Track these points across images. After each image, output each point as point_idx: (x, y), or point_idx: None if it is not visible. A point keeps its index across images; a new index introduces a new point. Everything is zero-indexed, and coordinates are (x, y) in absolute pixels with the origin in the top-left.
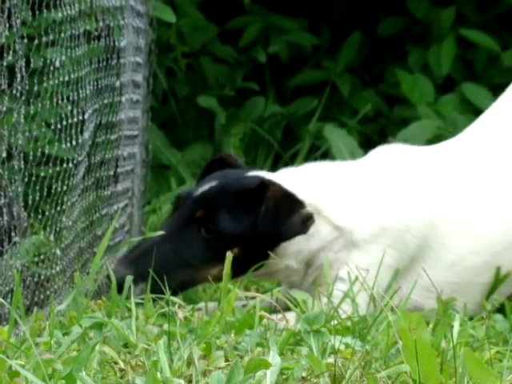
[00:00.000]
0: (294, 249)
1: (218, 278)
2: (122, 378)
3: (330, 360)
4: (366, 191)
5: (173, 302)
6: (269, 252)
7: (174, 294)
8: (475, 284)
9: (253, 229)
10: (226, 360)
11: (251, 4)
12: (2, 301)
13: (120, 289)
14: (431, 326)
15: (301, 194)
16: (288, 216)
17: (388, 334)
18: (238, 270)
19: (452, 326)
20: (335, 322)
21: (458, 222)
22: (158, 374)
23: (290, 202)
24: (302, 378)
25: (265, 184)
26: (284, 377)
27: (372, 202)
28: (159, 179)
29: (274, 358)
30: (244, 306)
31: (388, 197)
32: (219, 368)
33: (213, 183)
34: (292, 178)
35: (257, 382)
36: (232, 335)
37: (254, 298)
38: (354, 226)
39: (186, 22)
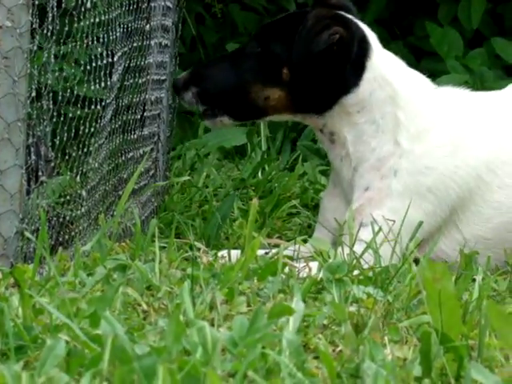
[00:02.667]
0: (357, 119)
1: (278, 106)
2: (144, 319)
3: (352, 309)
4: (434, 128)
5: (196, 247)
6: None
7: (226, 111)
8: (507, 241)
9: (309, 51)
10: (248, 305)
11: None
12: (30, 236)
13: (175, 88)
14: (453, 278)
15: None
16: (320, 31)
17: (410, 285)
18: (297, 100)
19: (474, 280)
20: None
21: (504, 176)
22: (181, 316)
23: (326, 19)
24: (324, 325)
25: (314, 7)
26: (305, 324)
27: (432, 140)
28: (184, 125)
29: (297, 304)
30: (267, 253)
31: (448, 143)
32: (241, 313)
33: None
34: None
35: (279, 327)
36: (255, 281)
37: (277, 246)
38: (407, 150)
39: None
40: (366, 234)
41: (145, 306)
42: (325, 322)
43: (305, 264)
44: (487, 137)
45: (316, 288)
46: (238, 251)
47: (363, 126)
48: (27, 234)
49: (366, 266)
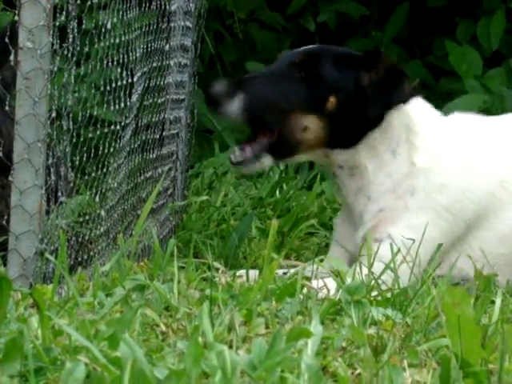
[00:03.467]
0: (379, 150)
1: (307, 137)
2: (163, 340)
3: (371, 331)
4: (450, 151)
5: (215, 268)
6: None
7: (267, 149)
8: None
9: (353, 85)
10: (267, 327)
11: None
12: (50, 257)
13: (215, 100)
14: (472, 300)
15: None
16: (399, 82)
17: (429, 308)
18: (332, 133)
19: (493, 302)
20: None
21: None
22: (200, 338)
23: (400, 71)
24: (342, 347)
25: (378, 52)
26: (324, 346)
27: (448, 160)
28: (202, 144)
29: (315, 327)
30: (285, 273)
31: (462, 161)
32: (260, 335)
33: (316, 46)
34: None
35: (298, 350)
36: (273, 303)
37: (294, 266)
38: (423, 170)
39: None
40: (382, 251)
41: (163, 327)
42: (343, 344)
43: (323, 285)
44: (498, 156)
45: (334, 309)
46: (256, 271)
47: (383, 155)
48: (47, 254)
49: (383, 285)
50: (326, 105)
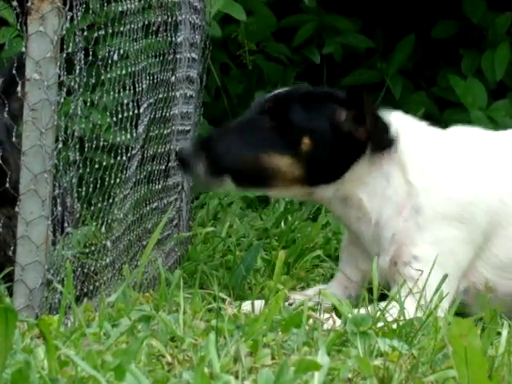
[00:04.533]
0: (369, 179)
1: (288, 178)
2: (169, 371)
3: (377, 362)
4: (444, 161)
5: (221, 298)
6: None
7: (236, 179)
8: None
9: (327, 124)
10: (273, 358)
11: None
12: (59, 286)
13: (182, 163)
14: (478, 331)
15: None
16: (381, 125)
17: (435, 339)
18: (310, 172)
19: (499, 333)
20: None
21: None
22: (206, 369)
23: (379, 117)
24: (348, 379)
25: (357, 90)
26: (330, 377)
27: (444, 172)
28: None
29: (322, 358)
30: (290, 304)
31: (460, 170)
32: (266, 366)
33: (286, 88)
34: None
35: (304, 381)
36: (279, 333)
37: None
38: (421, 186)
39: (253, 20)
40: (410, 272)
41: (169, 358)
42: (349, 375)
43: (329, 316)
44: (500, 163)
45: (340, 340)
46: (261, 301)
47: (375, 182)
48: (56, 284)
49: (413, 305)
50: (300, 147)
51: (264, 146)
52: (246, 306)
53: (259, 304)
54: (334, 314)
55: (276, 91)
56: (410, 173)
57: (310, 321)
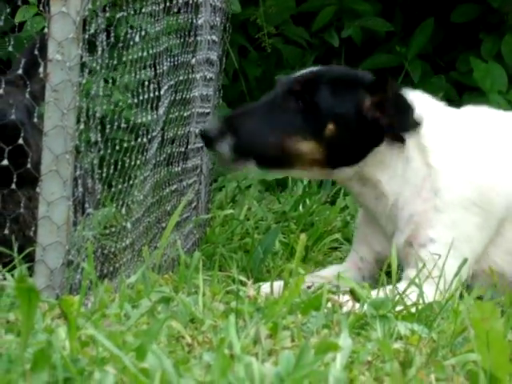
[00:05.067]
0: (389, 162)
1: (310, 161)
2: (189, 352)
3: (396, 345)
4: (465, 144)
5: (240, 281)
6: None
7: (259, 162)
8: None
9: (353, 110)
10: (292, 340)
11: None
12: (83, 264)
13: (208, 140)
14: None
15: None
16: (405, 109)
17: (455, 322)
18: (332, 156)
19: None
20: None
21: None
22: (226, 350)
23: (405, 100)
24: (368, 361)
25: (383, 76)
26: (350, 360)
27: (464, 155)
28: None
29: (344, 340)
30: (309, 287)
31: (480, 154)
32: (285, 348)
33: (314, 68)
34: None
35: (325, 363)
36: (298, 316)
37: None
38: (441, 169)
39: (273, 2)
40: (427, 254)
41: (189, 339)
42: (369, 358)
43: (348, 299)
44: None
45: (359, 323)
46: (280, 283)
47: (395, 166)
48: (82, 263)
49: (431, 288)
50: (324, 131)
51: (289, 130)
52: (265, 288)
53: (278, 286)
54: (352, 297)
55: (304, 71)
56: (430, 156)
57: (329, 304)
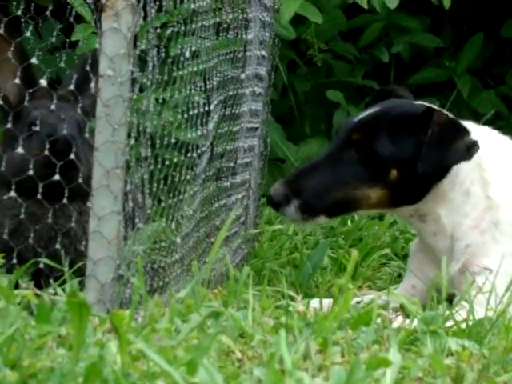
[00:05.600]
0: (449, 195)
1: (375, 204)
2: (239, 367)
3: (447, 361)
4: None
5: (289, 296)
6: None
7: (328, 215)
8: None
9: (414, 152)
10: (342, 356)
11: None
12: (133, 279)
13: (275, 206)
14: None
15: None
16: (453, 141)
17: (506, 338)
18: (396, 197)
19: None
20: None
21: None
22: (276, 365)
23: (455, 128)
24: (419, 378)
25: (430, 110)
26: (400, 375)
27: None
28: (274, 172)
29: (394, 355)
30: (358, 302)
31: None
32: (335, 363)
33: (373, 109)
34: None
35: (375, 379)
36: (348, 331)
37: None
38: (502, 202)
39: (324, 19)
40: (480, 280)
41: (239, 354)
42: (420, 374)
43: (398, 314)
44: None
45: (409, 339)
46: (330, 300)
47: (456, 199)
48: (132, 278)
49: (481, 307)
50: (388, 177)
51: (353, 182)
52: (314, 303)
53: (327, 302)
54: (402, 313)
55: (360, 116)
56: (491, 189)
57: (378, 319)
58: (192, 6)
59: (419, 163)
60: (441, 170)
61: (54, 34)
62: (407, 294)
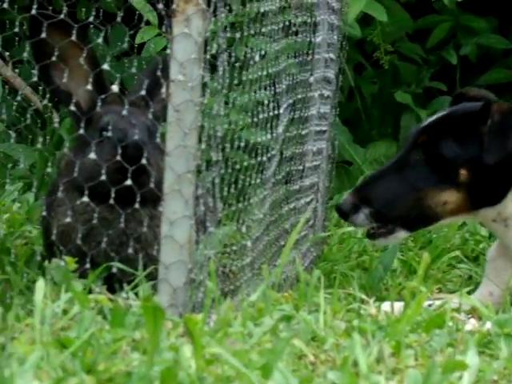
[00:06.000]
0: None
1: (454, 210)
2: (312, 371)
3: None
4: None
5: (361, 299)
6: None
7: (407, 228)
8: None
9: (479, 149)
10: (416, 359)
11: (441, 2)
12: (208, 283)
13: (343, 216)
14: None
15: None
16: None
17: None
18: (474, 199)
19: None
20: None
21: None
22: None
23: None
24: (494, 380)
25: (488, 104)
26: (476, 378)
27: None
28: (341, 175)
29: (472, 358)
30: (430, 305)
31: None
32: (409, 367)
33: (440, 113)
34: None
35: (451, 383)
36: (422, 334)
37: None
38: None
39: (390, 21)
40: None
41: (312, 358)
42: (495, 377)
43: (470, 316)
44: None
45: (482, 342)
46: (400, 303)
47: None
48: (205, 282)
49: None
50: (458, 178)
51: (423, 185)
52: (385, 306)
53: (398, 305)
54: (475, 316)
55: (427, 121)
56: None
57: (450, 322)
58: (262, 9)
59: (484, 155)
60: (508, 159)
61: (126, 39)
62: (484, 301)
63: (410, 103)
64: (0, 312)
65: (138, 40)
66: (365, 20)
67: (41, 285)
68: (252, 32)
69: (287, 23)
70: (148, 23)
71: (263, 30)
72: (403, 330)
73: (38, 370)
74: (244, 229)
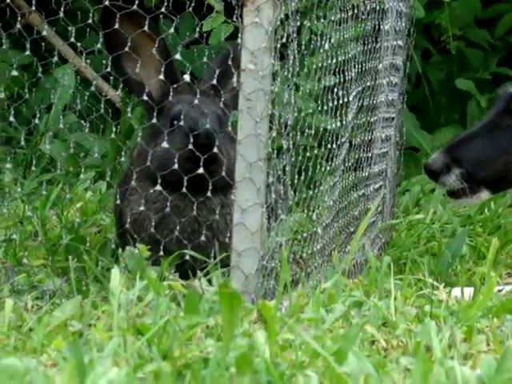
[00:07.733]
0: None
1: None
2: (385, 357)
3: None
4: None
5: (431, 284)
6: None
7: (491, 189)
8: None
9: None
10: (487, 344)
11: None
12: (279, 270)
13: (433, 176)
14: None
15: None
16: None
17: None
18: None
19: None
20: None
21: None
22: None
23: None
24: None
25: None
26: None
27: None
28: (408, 161)
29: None
30: (499, 290)
31: None
32: (481, 352)
33: None
34: None
35: None
36: (493, 320)
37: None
38: None
39: (458, 4)
40: None
41: (383, 343)
42: None
43: None
44: None
45: None
46: (470, 288)
47: None
48: (277, 269)
49: None
50: None
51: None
52: (455, 292)
53: (468, 291)
54: None
55: None
56: None
57: None
58: None
59: None
60: None
61: (197, 29)
62: None
63: (472, 90)
64: (77, 299)
65: (205, 28)
66: (434, 2)
67: (116, 272)
68: (322, 20)
69: (356, 10)
70: (212, 11)
71: (333, 18)
72: (474, 316)
73: (116, 356)
74: (314, 216)
